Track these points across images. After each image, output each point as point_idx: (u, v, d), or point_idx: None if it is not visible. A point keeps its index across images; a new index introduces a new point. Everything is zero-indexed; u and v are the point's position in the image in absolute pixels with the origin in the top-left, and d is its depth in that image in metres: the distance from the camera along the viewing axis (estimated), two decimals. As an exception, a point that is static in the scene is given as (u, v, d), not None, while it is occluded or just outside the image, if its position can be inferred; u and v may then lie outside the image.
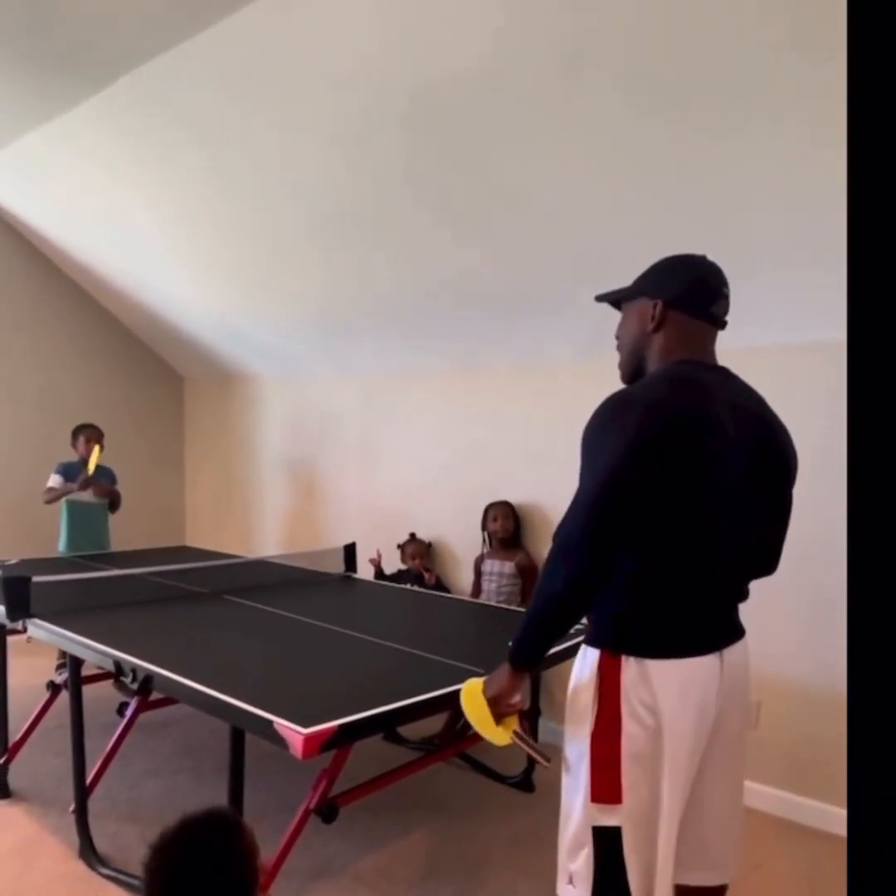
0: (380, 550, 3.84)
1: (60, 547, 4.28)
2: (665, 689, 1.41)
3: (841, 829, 2.68)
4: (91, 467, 4.13)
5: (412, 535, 3.91)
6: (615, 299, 1.70)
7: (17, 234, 4.75)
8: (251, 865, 1.11)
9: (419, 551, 3.82)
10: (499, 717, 1.53)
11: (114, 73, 2.97)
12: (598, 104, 2.31)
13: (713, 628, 1.52)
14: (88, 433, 4.28)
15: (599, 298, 1.74)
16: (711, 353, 1.58)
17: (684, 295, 1.55)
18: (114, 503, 4.39)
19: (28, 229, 4.66)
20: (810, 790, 2.78)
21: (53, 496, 4.19)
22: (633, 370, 1.65)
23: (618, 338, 1.70)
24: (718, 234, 2.43)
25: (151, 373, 5.53)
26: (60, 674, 3.98)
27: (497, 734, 1.53)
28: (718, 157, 2.30)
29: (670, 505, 1.39)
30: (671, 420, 1.38)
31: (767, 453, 1.53)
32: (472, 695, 1.55)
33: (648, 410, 1.39)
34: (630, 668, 1.43)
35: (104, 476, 4.35)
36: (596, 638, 1.49)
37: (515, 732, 1.54)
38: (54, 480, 4.20)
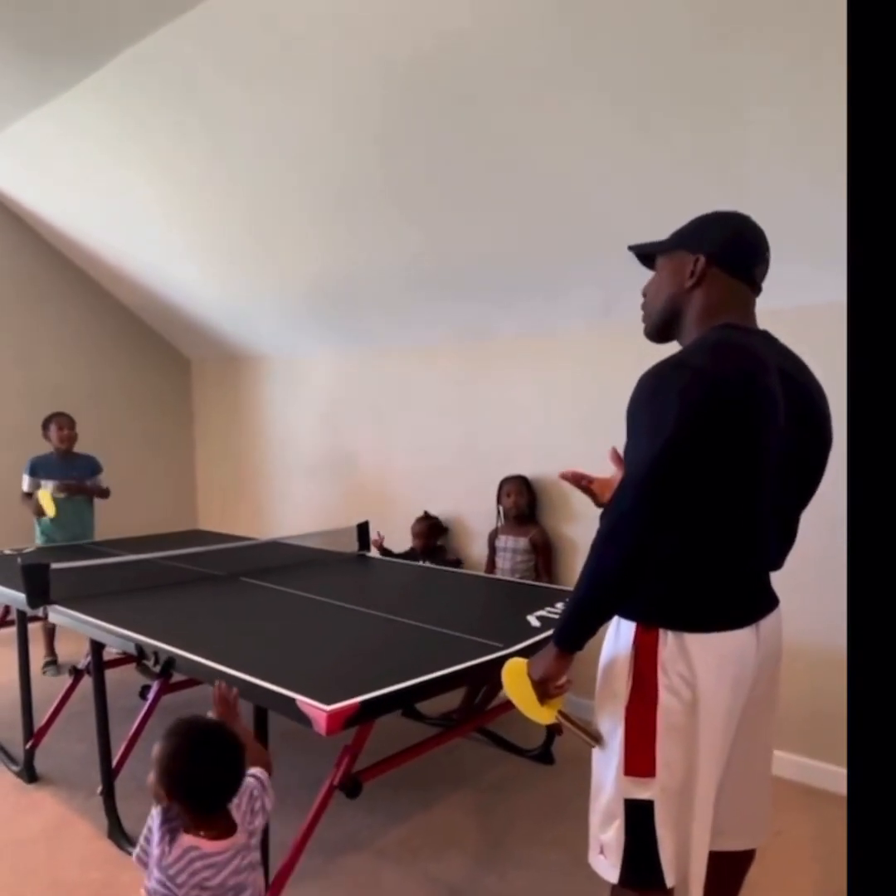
0: (380, 532, 3.83)
1: (36, 541, 4.10)
2: (703, 663, 1.40)
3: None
4: (48, 510, 3.92)
5: (425, 514, 3.92)
6: (649, 252, 1.60)
7: (16, 219, 4.73)
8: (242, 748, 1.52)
9: (422, 531, 3.83)
10: (543, 698, 1.49)
11: (111, 51, 2.94)
12: (606, 64, 2.27)
13: (751, 601, 1.51)
14: (59, 421, 4.11)
15: (633, 248, 1.63)
16: (753, 316, 1.51)
17: (728, 252, 1.47)
18: (99, 494, 4.21)
19: (28, 213, 4.64)
20: (829, 755, 2.80)
21: (29, 507, 4.05)
22: (663, 329, 1.56)
23: (645, 294, 1.60)
24: (732, 193, 2.40)
25: (158, 356, 5.52)
26: (45, 671, 3.98)
27: (541, 714, 1.50)
28: (731, 115, 2.27)
29: (720, 477, 1.35)
30: (722, 389, 1.31)
31: (810, 421, 1.48)
32: (515, 675, 1.53)
33: (698, 379, 1.32)
34: (668, 641, 1.41)
35: (82, 466, 4.19)
36: (632, 611, 1.45)
37: (561, 713, 1.50)
38: (25, 483, 4.04)
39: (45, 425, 4.15)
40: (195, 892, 1.39)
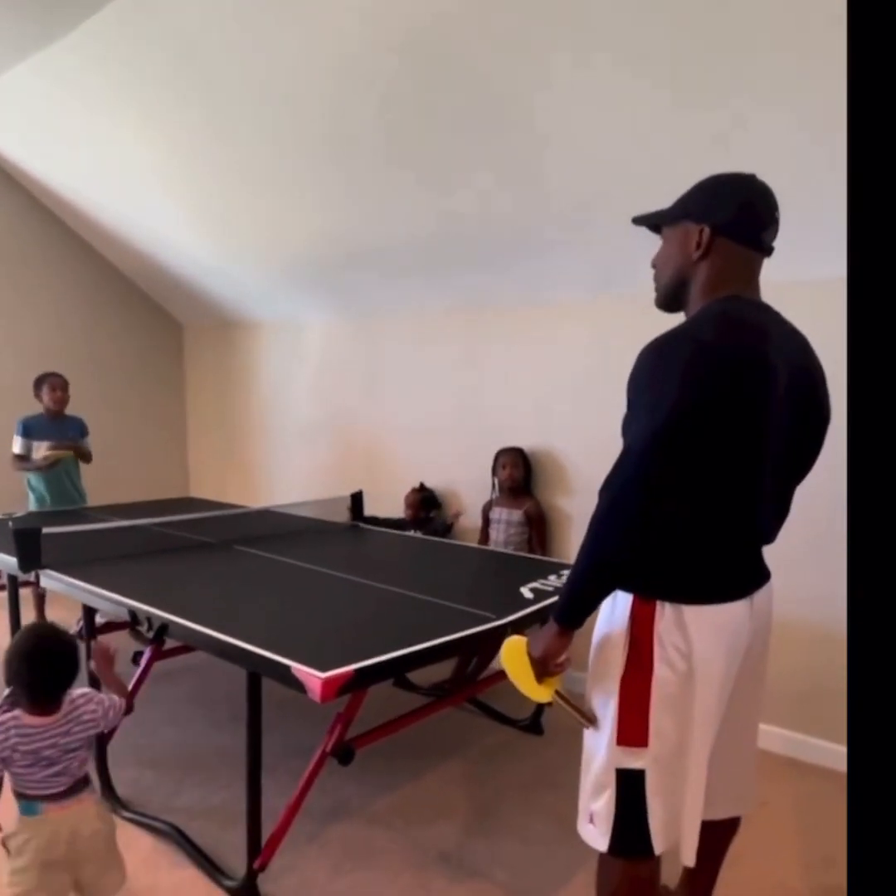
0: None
1: (30, 506, 4.09)
2: (700, 634, 1.41)
3: (844, 765, 2.73)
4: (53, 456, 4.00)
5: (421, 485, 3.91)
6: (655, 222, 1.58)
7: (6, 176, 4.62)
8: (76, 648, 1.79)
9: (414, 502, 3.82)
10: (542, 676, 1.49)
11: (98, 1, 2.87)
12: (615, 18, 2.22)
13: (747, 574, 1.52)
14: (53, 381, 4.07)
15: (637, 221, 1.61)
16: (757, 286, 1.50)
17: (734, 221, 1.44)
18: (83, 456, 4.18)
19: (17, 171, 4.55)
20: (814, 729, 2.83)
21: (20, 469, 4.05)
22: (672, 299, 1.55)
23: (654, 265, 1.58)
24: (734, 161, 2.37)
25: (150, 320, 5.46)
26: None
27: (539, 692, 1.50)
28: (734, 80, 2.23)
29: (721, 450, 1.34)
30: (724, 362, 1.31)
31: (810, 398, 1.48)
32: (514, 652, 1.53)
33: (701, 352, 1.31)
34: (665, 613, 1.41)
35: (73, 427, 4.15)
36: (630, 583, 1.45)
37: (558, 692, 1.51)
38: (17, 445, 4.00)
39: (38, 385, 4.10)
40: (7, 752, 1.67)
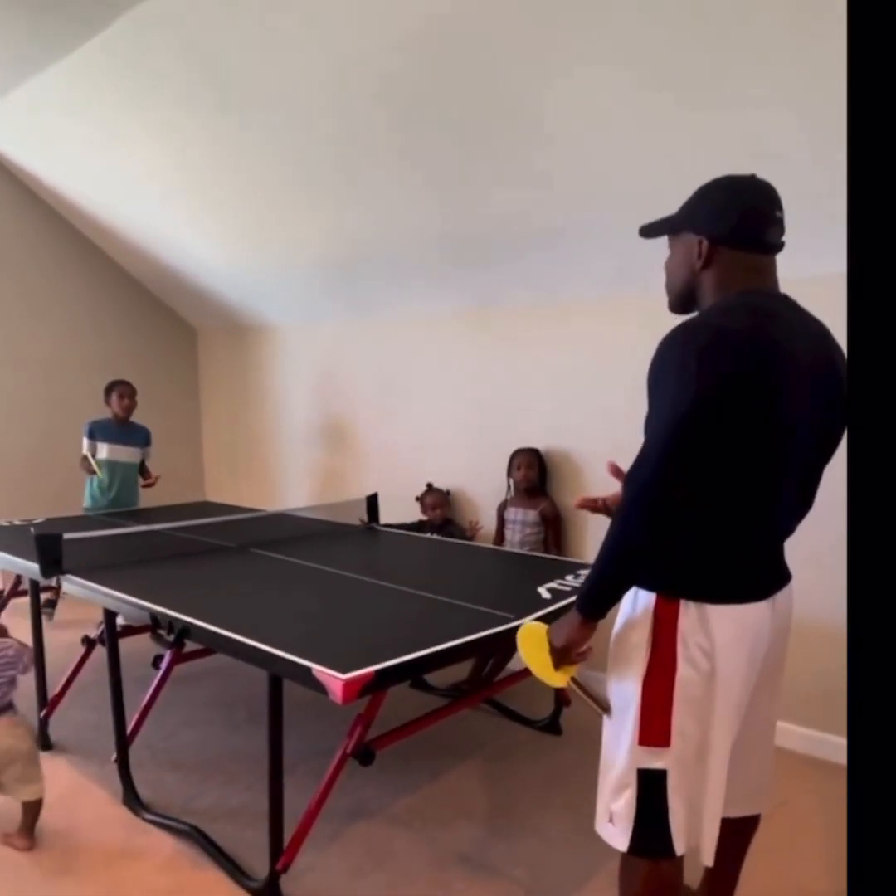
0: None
1: (85, 503, 4.29)
2: (722, 634, 1.41)
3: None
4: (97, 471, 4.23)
5: (429, 486, 3.92)
6: (659, 235, 1.60)
7: (19, 185, 4.66)
8: None
9: (438, 502, 3.84)
10: (560, 664, 1.49)
11: (112, 12, 2.90)
12: (621, 19, 2.22)
13: (769, 574, 1.52)
14: (121, 389, 4.28)
15: (643, 233, 1.63)
16: (773, 282, 1.50)
17: (732, 229, 1.45)
18: (145, 473, 4.44)
19: (31, 179, 4.59)
20: (836, 727, 2.82)
21: (84, 468, 4.25)
22: (682, 305, 1.57)
23: (666, 269, 1.60)
24: (747, 156, 2.36)
25: (164, 326, 5.49)
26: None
27: (555, 678, 1.51)
28: (748, 72, 2.21)
29: (743, 437, 1.34)
30: (744, 350, 1.31)
31: (831, 387, 1.46)
32: (532, 638, 1.53)
33: (718, 338, 1.32)
34: (689, 612, 1.41)
35: (140, 436, 4.38)
36: (653, 581, 1.45)
37: (574, 680, 1.51)
38: (85, 446, 4.23)
39: (108, 392, 4.31)
40: None
